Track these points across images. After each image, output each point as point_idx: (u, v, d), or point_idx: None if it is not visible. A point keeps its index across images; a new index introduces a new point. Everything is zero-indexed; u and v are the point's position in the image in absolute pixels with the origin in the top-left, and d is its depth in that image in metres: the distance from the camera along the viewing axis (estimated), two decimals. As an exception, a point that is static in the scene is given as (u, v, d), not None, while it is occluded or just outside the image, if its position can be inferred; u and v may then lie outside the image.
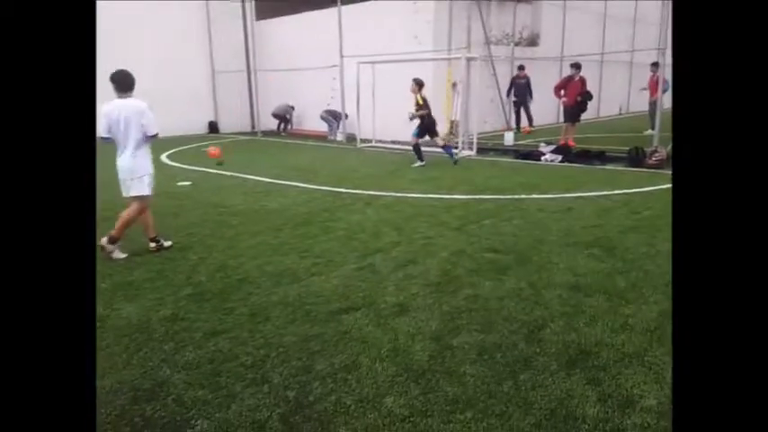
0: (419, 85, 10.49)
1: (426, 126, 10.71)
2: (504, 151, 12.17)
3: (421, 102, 10.54)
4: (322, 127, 16.73)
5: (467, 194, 7.56)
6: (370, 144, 14.23)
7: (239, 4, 18.82)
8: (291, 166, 10.90)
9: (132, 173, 5.04)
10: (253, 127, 19.27)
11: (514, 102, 15.41)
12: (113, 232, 5.05)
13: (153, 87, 16.10)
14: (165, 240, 5.40)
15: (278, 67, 17.70)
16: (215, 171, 10.25)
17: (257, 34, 18.71)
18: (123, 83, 4.90)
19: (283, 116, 18.17)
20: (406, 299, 3.91)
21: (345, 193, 7.95)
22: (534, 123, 15.83)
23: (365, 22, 15.13)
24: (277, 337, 3.37)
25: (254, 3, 18.66)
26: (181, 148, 13.63)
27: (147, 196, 5.17)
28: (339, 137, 15.98)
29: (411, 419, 2.51)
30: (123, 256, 5.05)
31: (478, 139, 12.40)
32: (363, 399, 2.69)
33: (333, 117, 15.99)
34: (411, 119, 10.70)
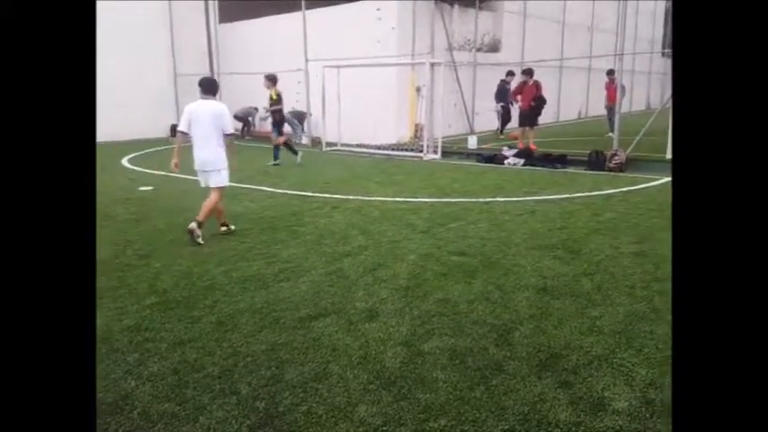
0: (271, 80, 10.69)
1: (277, 121, 11.05)
2: (468, 154, 12.32)
3: (275, 97, 10.81)
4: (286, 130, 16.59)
5: (432, 197, 7.61)
6: (335, 148, 14.17)
7: (202, 6, 18.49)
8: (257, 169, 10.75)
9: (213, 165, 5.64)
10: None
11: (502, 106, 15.39)
12: (199, 218, 5.58)
13: (114, 89, 15.86)
14: (231, 225, 6.02)
15: (242, 71, 17.47)
16: (178, 176, 10.01)
17: (221, 37, 18.45)
18: (209, 87, 5.66)
19: (246, 118, 17.94)
20: (375, 304, 3.89)
21: (312, 197, 7.90)
22: (495, 127, 16.10)
23: (329, 26, 15.13)
24: (245, 346, 3.30)
25: (217, 5, 18.39)
26: (142, 152, 13.29)
27: (225, 186, 5.85)
28: (304, 140, 15.86)
29: (384, 428, 2.49)
30: (202, 242, 5.53)
31: (443, 142, 12.51)
32: (335, 408, 2.65)
33: (298, 119, 15.88)
34: (265, 116, 10.90)
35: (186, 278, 4.51)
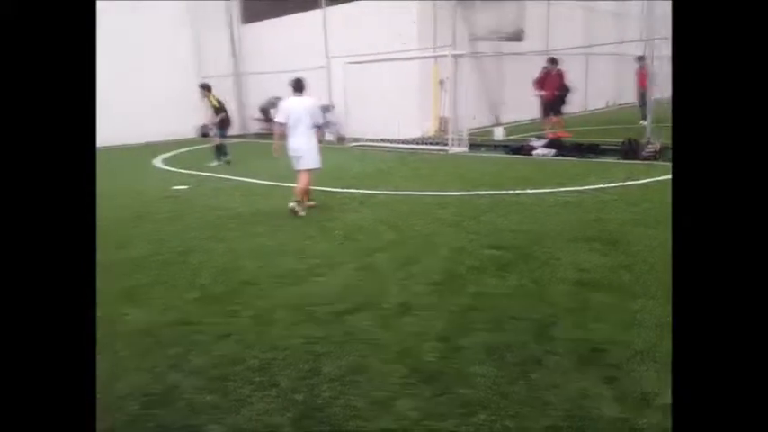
0: (206, 89, 11.36)
1: (223, 124, 11.58)
2: (495, 146, 12.21)
3: (217, 104, 11.37)
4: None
5: (460, 191, 7.57)
6: (359, 143, 14.20)
7: (225, 7, 18.72)
8: (283, 166, 10.82)
9: (307, 151, 6.63)
10: (243, 129, 19.16)
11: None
12: (297, 198, 6.58)
13: (141, 91, 16.17)
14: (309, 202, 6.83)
15: (265, 70, 17.61)
16: (210, 175, 10.19)
17: (244, 38, 18.63)
18: (298, 86, 6.74)
19: (268, 111, 18.03)
20: (409, 298, 3.90)
21: (339, 192, 7.94)
22: (520, 118, 15.85)
23: (350, 22, 15.12)
24: (283, 340, 3.35)
25: (239, 6, 18.58)
26: (174, 153, 13.54)
27: (318, 168, 6.85)
28: (329, 136, 15.93)
29: (425, 422, 2.50)
30: (303, 213, 6.52)
31: (468, 135, 12.41)
32: (374, 401, 2.68)
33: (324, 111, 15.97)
34: (210, 128, 11.73)
35: (223, 274, 4.60)
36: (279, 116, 6.71)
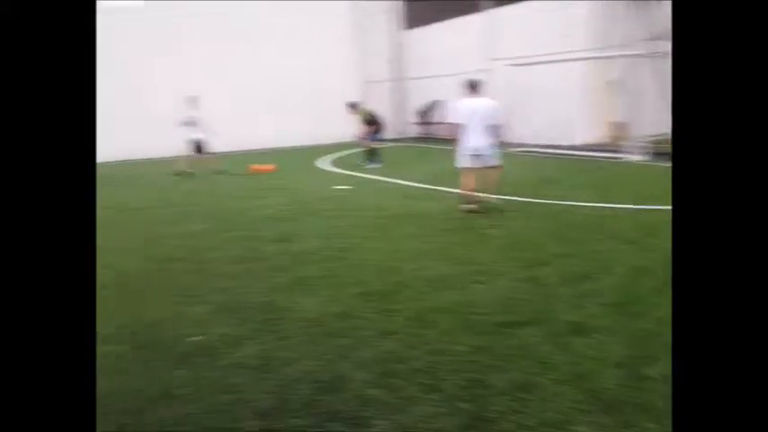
0: (353, 106, 12.08)
1: (377, 131, 12.21)
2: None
3: (369, 117, 11.86)
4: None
5: (637, 204, 6.91)
6: (522, 149, 13.75)
7: (388, 14, 19.44)
8: (443, 170, 10.89)
9: (487, 149, 6.75)
10: (401, 133, 19.72)
11: None
12: (491, 195, 6.94)
13: (308, 97, 17.41)
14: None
15: (427, 74, 17.91)
16: (370, 176, 10.61)
17: (406, 43, 19.15)
18: (475, 87, 6.84)
19: (425, 112, 18.28)
20: (583, 318, 3.61)
21: (501, 199, 7.71)
22: None
23: (514, 24, 14.75)
24: (445, 345, 3.30)
25: (403, 13, 19.16)
26: (337, 155, 14.36)
27: (500, 165, 7.04)
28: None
29: (608, 453, 2.27)
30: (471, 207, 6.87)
31: (653, 142, 11.25)
32: (548, 423, 2.49)
33: None
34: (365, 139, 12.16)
35: (382, 273, 4.69)
36: (452, 117, 6.84)
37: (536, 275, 4.48)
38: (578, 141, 13.17)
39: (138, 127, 15.04)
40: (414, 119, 18.70)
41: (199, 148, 11.87)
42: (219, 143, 12.28)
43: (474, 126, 6.66)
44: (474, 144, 6.71)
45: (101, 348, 3.29)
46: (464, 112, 6.73)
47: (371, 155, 12.07)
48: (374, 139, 12.18)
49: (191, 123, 11.65)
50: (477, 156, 6.77)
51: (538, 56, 12.94)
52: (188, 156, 11.86)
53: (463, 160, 6.88)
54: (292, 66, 17.59)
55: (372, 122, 11.92)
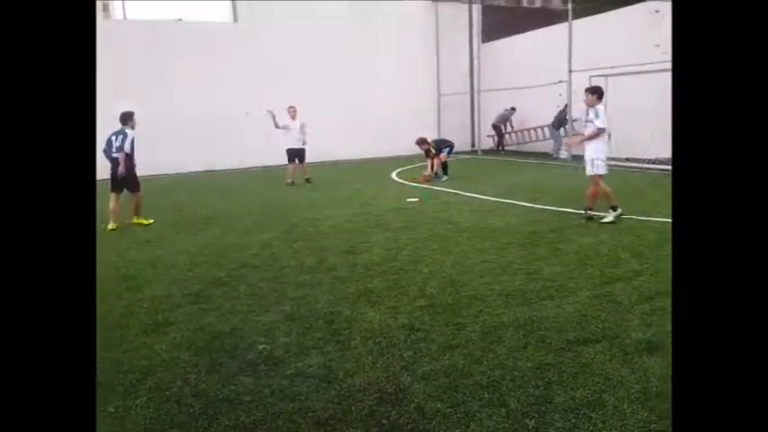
0: (422, 143, 12.29)
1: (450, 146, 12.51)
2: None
3: (434, 149, 12.13)
4: (545, 147, 16.28)
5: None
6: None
7: (466, 29, 19.49)
8: (513, 184, 10.75)
9: (589, 158, 7.02)
10: (473, 146, 19.59)
11: None
12: (612, 203, 6.93)
13: (384, 109, 17.73)
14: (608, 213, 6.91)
15: (501, 87, 17.73)
16: (439, 189, 10.64)
17: (483, 56, 19.07)
18: (600, 93, 7.06)
19: (500, 126, 18.04)
20: (655, 336, 3.47)
21: (574, 213, 7.51)
22: None
23: (597, 34, 14.33)
24: (511, 360, 3.27)
25: (480, 27, 19.13)
26: (408, 167, 14.48)
27: (599, 175, 7.01)
28: (563, 154, 15.27)
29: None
30: (611, 218, 6.84)
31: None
32: (615, 442, 2.42)
33: (557, 125, 15.34)
34: (434, 176, 12.08)
35: (451, 286, 4.70)
36: (603, 121, 6.87)
37: (610, 292, 4.34)
38: (663, 155, 12.54)
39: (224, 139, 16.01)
40: (489, 131, 18.53)
41: (298, 157, 12.34)
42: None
43: (605, 134, 6.94)
44: (608, 150, 7.03)
45: (173, 353, 3.57)
46: (604, 118, 6.86)
47: (442, 168, 12.12)
48: (448, 153, 12.33)
49: (291, 133, 12.13)
50: (606, 163, 7.02)
51: (623, 66, 12.51)
52: (293, 165, 12.37)
53: (603, 167, 7.01)
54: (369, 79, 18.02)
55: (439, 151, 12.12)
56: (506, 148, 18.28)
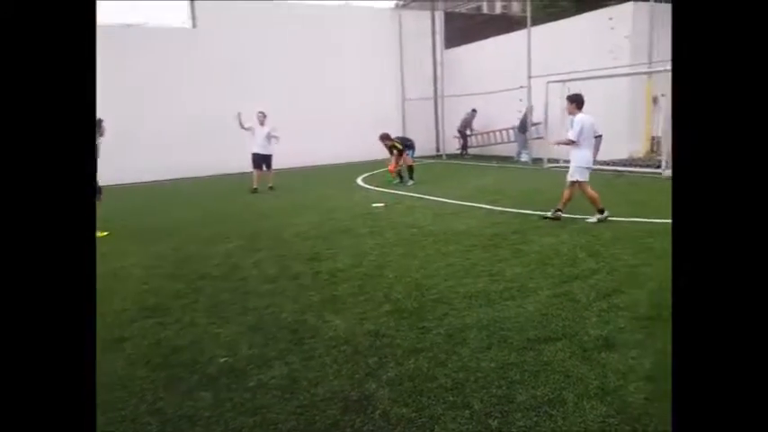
0: (385, 138, 12.18)
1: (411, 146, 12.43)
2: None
3: (400, 146, 12.02)
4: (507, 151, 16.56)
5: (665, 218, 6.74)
6: (557, 165, 13.58)
7: (430, 36, 19.75)
8: (476, 187, 10.91)
9: (572, 165, 7.26)
10: (437, 150, 19.79)
11: None
12: (599, 206, 7.09)
13: (349, 115, 17.76)
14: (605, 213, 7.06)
15: (464, 92, 18.00)
16: (404, 193, 10.70)
17: (446, 63, 19.34)
18: (581, 102, 7.26)
19: (464, 131, 18.24)
20: (612, 332, 3.58)
21: (534, 215, 7.67)
22: None
23: (555, 41, 14.75)
24: (474, 362, 3.32)
25: (443, 33, 19.42)
26: (373, 173, 14.52)
27: (577, 182, 7.19)
28: (524, 157, 15.59)
29: (632, 470, 2.25)
30: (594, 220, 7.02)
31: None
32: (573, 438, 2.49)
33: (523, 129, 15.57)
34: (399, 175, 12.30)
35: (416, 290, 4.74)
36: (575, 134, 7.08)
37: (568, 291, 4.45)
38: (617, 157, 12.97)
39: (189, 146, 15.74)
40: (455, 134, 18.77)
41: (264, 163, 12.23)
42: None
43: (587, 140, 7.13)
44: (589, 158, 7.17)
45: (129, 371, 3.47)
46: (584, 126, 7.09)
47: (408, 172, 12.20)
48: (412, 156, 12.41)
49: (257, 138, 12.02)
50: (588, 169, 7.20)
51: (578, 72, 12.88)
52: (258, 171, 12.22)
53: (584, 173, 7.19)
54: (334, 86, 18.01)
55: (405, 149, 12.14)
56: (470, 150, 18.51)
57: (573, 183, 7.22)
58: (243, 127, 11.98)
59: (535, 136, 15.19)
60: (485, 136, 18.14)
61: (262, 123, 12.01)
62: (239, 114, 11.84)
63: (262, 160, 12.17)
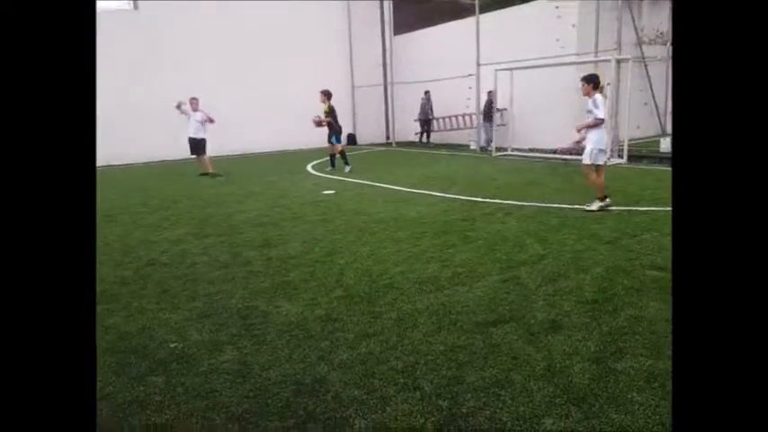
0: (326, 95, 11.96)
1: (335, 132, 12.09)
2: (660, 159, 11.20)
3: (328, 110, 11.90)
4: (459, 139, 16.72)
5: (619, 206, 7.04)
6: (505, 153, 13.90)
7: (378, 21, 19.59)
8: (426, 175, 11.01)
9: (589, 148, 6.90)
10: (387, 138, 19.83)
11: None
12: (600, 194, 6.92)
13: (298, 101, 17.50)
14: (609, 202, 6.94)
15: (414, 79, 18.05)
16: (354, 181, 10.67)
17: (395, 49, 19.30)
18: (597, 81, 6.83)
19: (426, 120, 17.80)
20: (558, 315, 3.70)
21: (483, 202, 7.82)
22: None
23: (503, 29, 14.94)
24: (425, 345, 3.36)
25: (392, 19, 19.33)
26: (324, 159, 14.38)
27: (598, 165, 6.93)
28: (472, 145, 15.84)
29: (576, 445, 2.34)
30: (595, 207, 6.86)
31: (630, 145, 11.52)
32: (520, 417, 2.57)
33: (488, 117, 15.08)
34: (318, 125, 12.20)
35: (367, 275, 4.75)
36: (603, 112, 6.70)
37: (516, 275, 4.56)
38: (563, 145, 13.36)
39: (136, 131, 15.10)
40: (406, 123, 18.74)
41: (199, 148, 12.08)
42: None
43: (604, 123, 6.80)
44: (605, 139, 6.90)
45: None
46: (603, 108, 6.71)
47: (342, 157, 12.08)
48: (337, 141, 12.19)
49: (191, 123, 11.93)
50: (603, 151, 6.94)
51: (526, 60, 13.11)
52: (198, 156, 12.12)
53: (602, 156, 6.96)
54: (281, 71, 17.65)
55: (329, 115, 11.96)
56: (432, 136, 17.96)
57: (597, 166, 6.91)
58: (179, 108, 11.94)
59: (499, 123, 15.02)
60: (446, 120, 17.59)
61: (194, 109, 11.92)
62: (180, 104, 11.79)
63: (195, 144, 12.09)
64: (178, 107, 11.75)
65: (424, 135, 18.08)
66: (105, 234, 6.78)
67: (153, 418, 2.69)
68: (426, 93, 17.51)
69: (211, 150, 12.44)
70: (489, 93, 14.59)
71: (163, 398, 2.87)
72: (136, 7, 16.02)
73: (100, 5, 15.61)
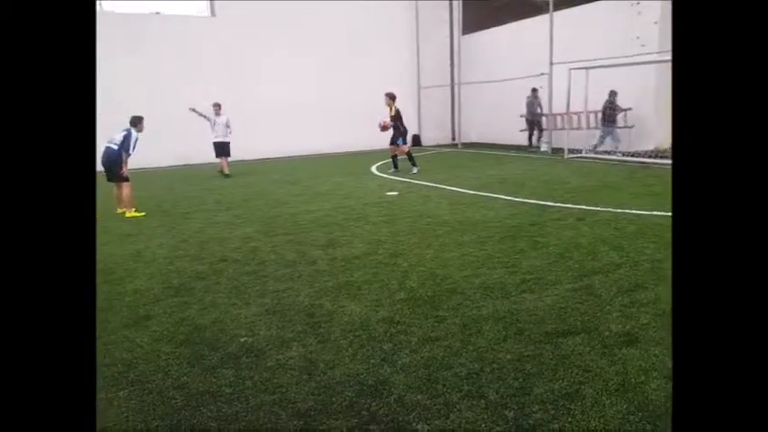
0: (391, 97, 11.91)
1: (403, 133, 12.05)
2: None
3: (394, 113, 11.74)
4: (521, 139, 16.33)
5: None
6: (579, 155, 13.40)
7: (446, 22, 19.46)
8: (493, 177, 10.80)
9: None
10: (453, 139, 19.65)
11: None
12: None
13: (364, 102, 17.69)
14: None
15: (482, 79, 17.78)
16: (418, 182, 10.64)
17: (463, 48, 19.09)
18: None
19: (532, 120, 15.71)
20: (634, 328, 3.50)
21: (554, 206, 7.57)
22: None
23: (578, 27, 14.44)
24: (490, 353, 3.27)
25: (460, 18, 19.13)
26: (388, 161, 14.44)
27: None
28: (543, 147, 15.39)
29: (653, 467, 2.20)
30: None
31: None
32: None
33: (611, 119, 13.33)
34: (383, 129, 12.00)
35: (431, 279, 4.70)
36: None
37: (589, 284, 4.37)
38: (642, 148, 12.73)
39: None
40: (473, 123, 18.46)
41: (223, 150, 12.75)
42: (273, 148, 12.76)
43: None
44: None
45: (154, 346, 3.52)
46: None
47: (410, 159, 12.08)
48: (404, 143, 12.19)
49: (217, 127, 12.60)
50: None
51: (604, 59, 12.57)
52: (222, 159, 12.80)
53: None
54: (349, 72, 17.90)
55: (395, 119, 11.91)
56: (543, 137, 15.63)
57: None
58: (202, 115, 12.55)
59: (622, 125, 13.36)
60: (565, 117, 14.19)
61: (218, 114, 12.55)
62: (196, 111, 12.47)
63: (220, 148, 12.72)
64: (194, 111, 12.40)
65: (534, 137, 16.04)
66: (183, 230, 7.15)
67: (223, 410, 2.78)
68: (534, 90, 15.56)
69: (275, 152, 12.81)
70: (611, 92, 13.00)
71: (233, 390, 2.96)
72: (213, 14, 16.74)
73: (178, 13, 16.50)
